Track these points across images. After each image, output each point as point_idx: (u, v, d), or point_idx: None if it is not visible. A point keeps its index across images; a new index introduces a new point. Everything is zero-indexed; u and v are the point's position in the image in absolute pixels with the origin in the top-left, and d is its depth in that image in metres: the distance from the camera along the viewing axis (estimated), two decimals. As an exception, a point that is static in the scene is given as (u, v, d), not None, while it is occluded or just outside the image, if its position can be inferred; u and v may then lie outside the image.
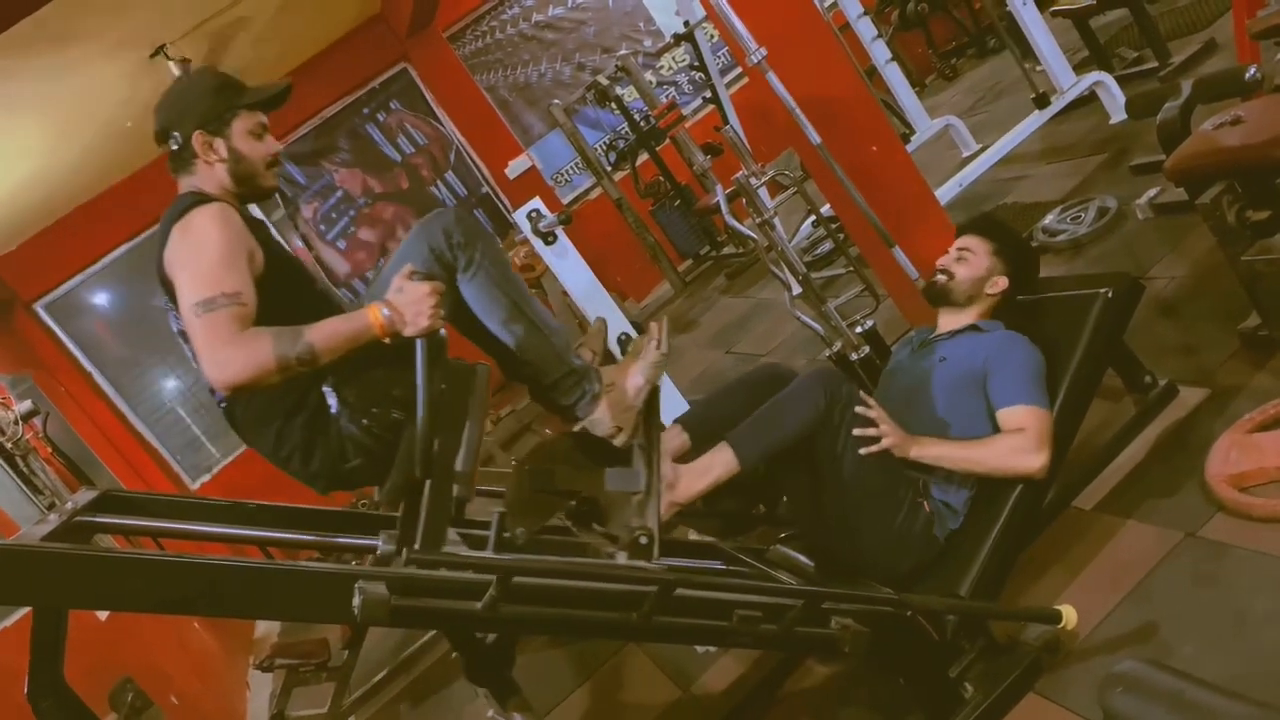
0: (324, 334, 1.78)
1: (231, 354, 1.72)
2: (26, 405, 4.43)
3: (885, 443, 2.19)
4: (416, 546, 1.78)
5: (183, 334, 1.90)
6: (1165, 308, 3.01)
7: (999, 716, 2.05)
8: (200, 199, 1.88)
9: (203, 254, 1.79)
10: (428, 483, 1.81)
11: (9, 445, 4.15)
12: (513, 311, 2.06)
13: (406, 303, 1.81)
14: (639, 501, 2.01)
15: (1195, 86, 2.98)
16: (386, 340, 1.81)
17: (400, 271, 1.87)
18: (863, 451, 2.19)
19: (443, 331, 1.85)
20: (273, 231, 2.04)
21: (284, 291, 1.89)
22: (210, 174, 1.96)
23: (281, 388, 1.82)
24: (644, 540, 1.96)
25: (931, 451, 2.25)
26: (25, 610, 2.65)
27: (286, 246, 2.05)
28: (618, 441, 2.07)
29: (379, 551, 1.87)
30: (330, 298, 2.09)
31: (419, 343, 1.80)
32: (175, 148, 1.96)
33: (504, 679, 2.35)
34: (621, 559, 1.97)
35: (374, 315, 1.80)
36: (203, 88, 1.98)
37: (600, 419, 2.08)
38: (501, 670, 2.35)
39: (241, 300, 1.76)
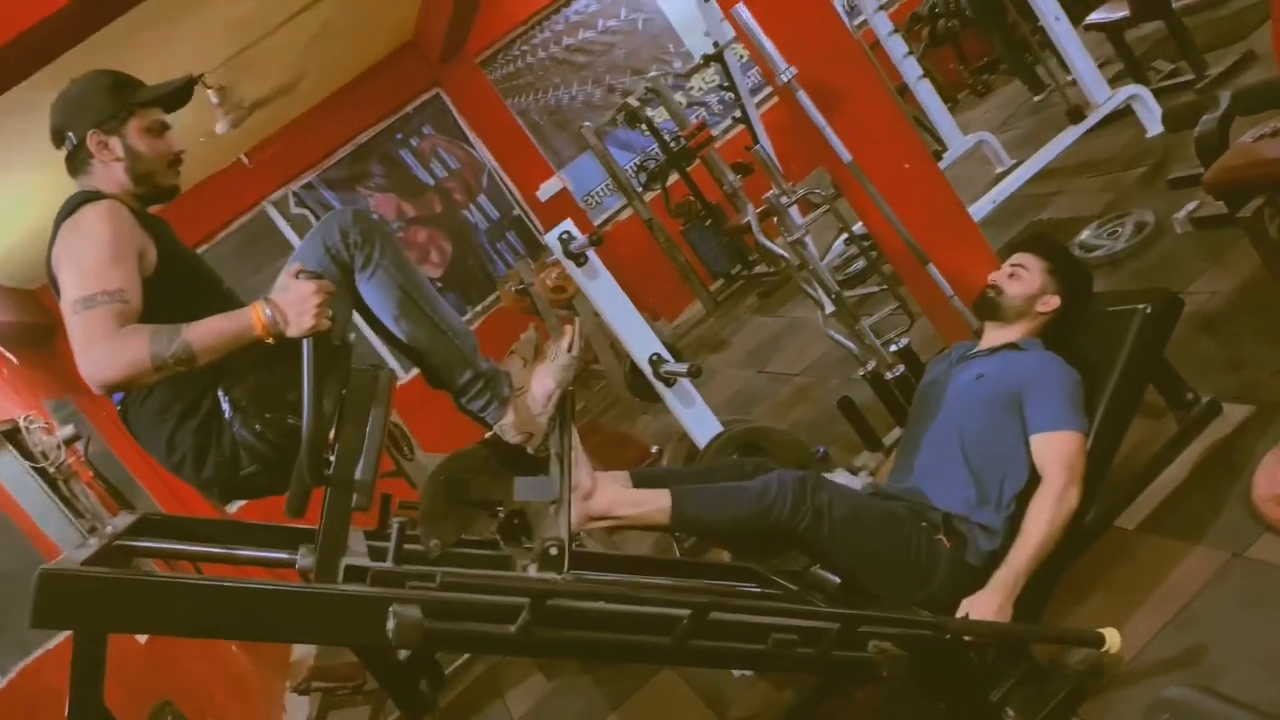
0: (202, 332, 1.73)
1: (105, 351, 1.68)
2: (69, 430, 4.50)
3: (1000, 613, 2.10)
4: (315, 559, 1.75)
5: None
6: (1207, 323, 2.96)
7: (1042, 742, 2.01)
8: (90, 196, 1.86)
9: (87, 251, 1.77)
10: (327, 492, 1.78)
11: (52, 470, 4.21)
12: (410, 309, 1.99)
13: (290, 302, 1.75)
14: (553, 511, 1.96)
15: (1234, 98, 2.95)
16: (270, 340, 1.75)
17: (288, 270, 1.83)
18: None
19: (351, 336, 1.82)
20: (174, 232, 2.01)
21: (182, 291, 1.86)
22: (107, 173, 1.93)
23: (174, 391, 1.79)
24: (554, 551, 1.91)
25: (1018, 576, 2.14)
26: (66, 633, 2.68)
27: (184, 245, 2.03)
28: (530, 448, 2.01)
29: (298, 565, 1.83)
30: (234, 298, 2.02)
31: (305, 343, 1.74)
32: (70, 148, 1.94)
33: (419, 695, 2.28)
34: (532, 571, 1.92)
35: (256, 314, 1.74)
36: (97, 87, 1.95)
37: (509, 425, 2.01)
38: (418, 686, 2.29)
39: (123, 298, 1.72)
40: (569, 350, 2.04)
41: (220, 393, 1.85)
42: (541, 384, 2.03)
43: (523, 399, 2.03)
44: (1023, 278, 2.54)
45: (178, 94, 2.00)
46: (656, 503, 2.12)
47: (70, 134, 1.93)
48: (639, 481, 2.25)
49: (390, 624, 1.59)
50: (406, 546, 1.90)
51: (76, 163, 1.96)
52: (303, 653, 5.48)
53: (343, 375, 1.82)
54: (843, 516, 2.15)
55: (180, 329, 1.72)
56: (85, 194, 1.89)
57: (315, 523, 2.10)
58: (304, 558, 1.84)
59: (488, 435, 2.05)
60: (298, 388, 1.76)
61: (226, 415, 1.86)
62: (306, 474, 1.74)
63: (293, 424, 1.81)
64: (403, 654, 2.28)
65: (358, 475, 1.79)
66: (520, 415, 2.01)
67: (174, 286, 1.85)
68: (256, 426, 1.86)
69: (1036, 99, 6.20)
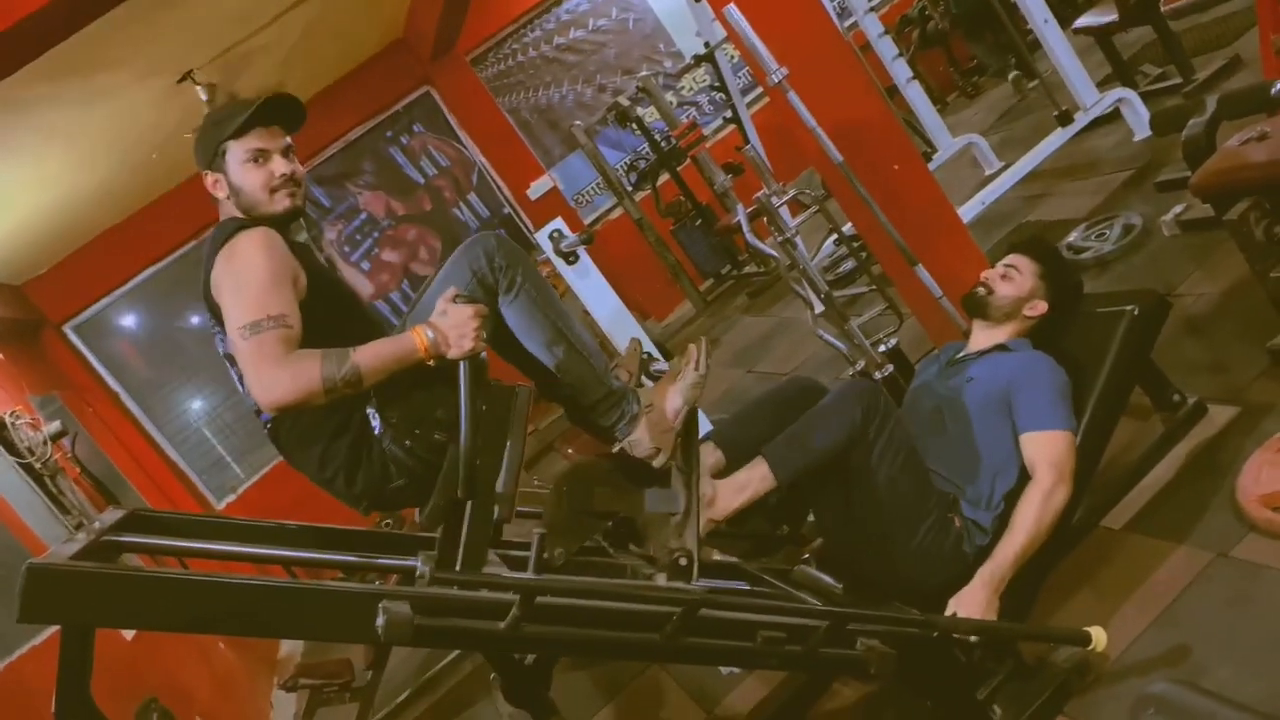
0: (370, 356, 1.79)
1: (278, 375, 1.74)
2: (55, 426, 4.47)
3: (986, 610, 2.12)
4: (458, 568, 1.79)
5: (229, 357, 1.92)
6: (1193, 325, 2.98)
7: (1028, 739, 2.02)
8: (244, 224, 1.91)
9: (247, 278, 1.81)
10: (469, 504, 1.82)
11: (38, 465, 4.18)
12: (554, 334, 2.07)
13: (451, 325, 1.82)
14: (677, 522, 2.02)
15: (1220, 102, 2.96)
16: (430, 363, 1.82)
17: (444, 294, 1.88)
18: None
19: (484, 354, 1.86)
20: (318, 255, 2.07)
21: (328, 314, 1.91)
22: (229, 209, 1.99)
23: (326, 410, 1.84)
24: (683, 562, 1.97)
25: (1004, 571, 2.16)
26: (53, 629, 2.67)
27: (330, 268, 2.08)
28: (656, 463, 2.08)
29: (418, 572, 1.88)
30: (373, 319, 2.10)
31: (462, 365, 1.81)
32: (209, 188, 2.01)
33: (542, 700, 2.35)
34: (661, 580, 1.97)
35: (419, 338, 1.82)
36: (203, 127, 2.00)
37: (639, 440, 2.08)
38: (540, 691, 2.35)
39: (287, 323, 1.78)
40: (696, 369, 2.10)
41: (370, 411, 1.91)
42: (671, 402, 2.10)
43: (653, 415, 2.09)
44: (1014, 279, 2.55)
45: (264, 113, 1.95)
46: (759, 474, 2.18)
47: (204, 173, 2.00)
48: (722, 443, 2.33)
49: (380, 620, 1.59)
50: (514, 553, 1.99)
51: (215, 200, 2.02)
52: (290, 649, 5.46)
53: (485, 392, 1.87)
54: (898, 440, 2.22)
55: (349, 353, 1.78)
56: (238, 221, 1.93)
57: (301, 520, 2.14)
58: (424, 565, 1.88)
59: (614, 450, 2.11)
60: (444, 405, 1.85)
61: (376, 432, 1.91)
62: (461, 488, 1.80)
63: (439, 440, 1.89)
64: (529, 659, 2.35)
65: (499, 488, 1.85)
66: (651, 431, 2.08)
67: (324, 308, 1.90)
68: (406, 443, 1.91)
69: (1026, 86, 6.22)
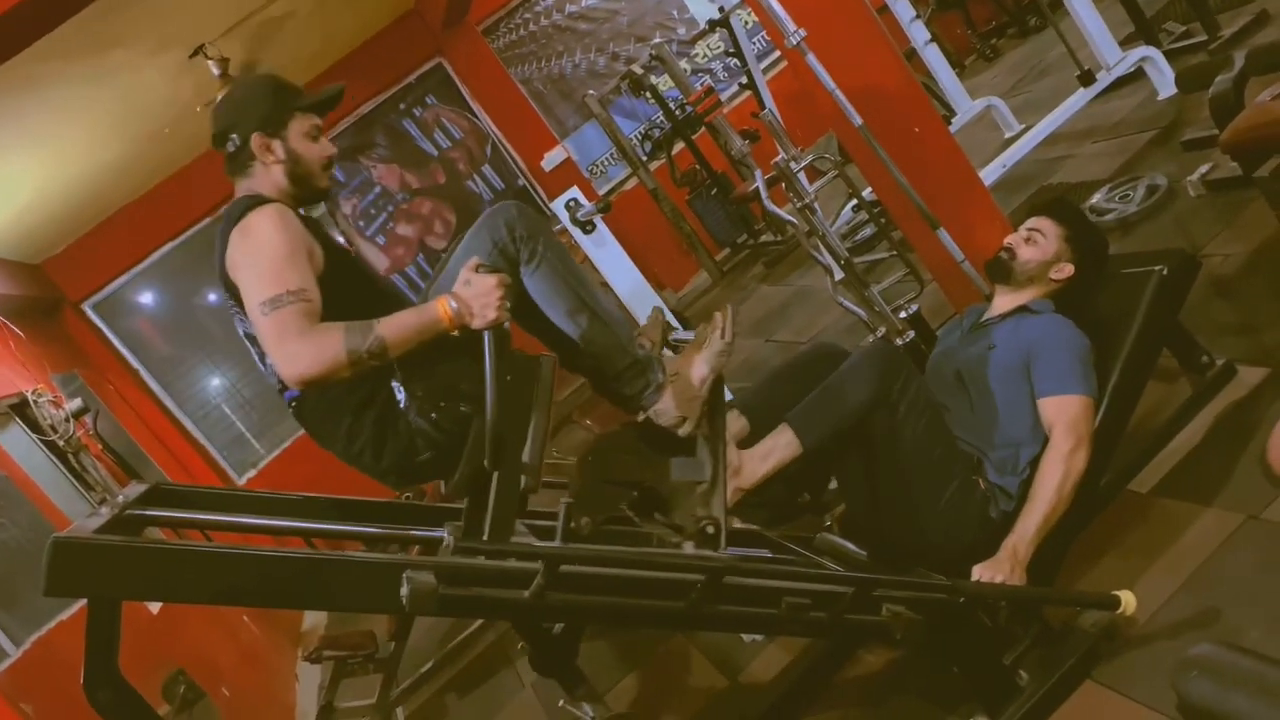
0: (394, 327, 1.79)
1: (302, 348, 1.73)
2: (77, 403, 4.50)
3: (1011, 579, 2.09)
4: (485, 537, 1.78)
5: (250, 336, 1.92)
6: (1221, 286, 2.93)
7: (1055, 704, 2.00)
8: (257, 201, 1.90)
9: (264, 254, 1.80)
10: (496, 474, 1.81)
11: (61, 443, 4.22)
12: (577, 303, 2.05)
13: (474, 295, 1.81)
14: (703, 491, 2.00)
15: (1249, 57, 2.90)
16: (455, 333, 1.82)
17: (467, 265, 1.87)
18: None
19: (507, 324, 1.85)
20: (333, 232, 2.06)
21: (345, 288, 1.90)
22: (267, 176, 1.98)
23: (350, 385, 1.84)
24: (710, 530, 1.96)
25: (1028, 542, 2.13)
26: (81, 603, 2.69)
27: (345, 245, 2.07)
28: (682, 431, 2.06)
29: (445, 543, 1.87)
30: (391, 293, 2.11)
31: (486, 335, 1.80)
32: (233, 149, 1.98)
33: (570, 669, 2.35)
34: (689, 549, 1.96)
35: (442, 308, 1.81)
36: (261, 91, 2.01)
37: (665, 409, 2.06)
38: (568, 660, 2.35)
39: (307, 296, 1.77)
40: (723, 337, 2.07)
41: (395, 384, 1.91)
42: (698, 370, 2.07)
43: (679, 384, 2.07)
44: (1039, 243, 2.51)
45: (333, 99, 2.05)
46: (784, 441, 2.16)
47: (234, 135, 1.97)
48: (746, 410, 2.32)
49: (404, 590, 1.59)
50: (540, 523, 1.98)
51: (238, 164, 2.00)
52: (314, 621, 5.52)
53: (509, 363, 1.85)
54: (921, 403, 2.19)
55: (373, 324, 1.77)
56: (250, 199, 1.92)
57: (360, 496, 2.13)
58: (450, 535, 1.87)
59: (640, 418, 2.09)
60: (469, 377, 1.83)
61: (402, 405, 1.91)
62: (488, 458, 1.79)
63: (465, 411, 1.88)
64: (557, 628, 2.35)
65: (525, 458, 1.84)
66: (677, 399, 2.06)
67: (341, 283, 1.90)
68: (432, 415, 1.90)
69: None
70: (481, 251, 1.99)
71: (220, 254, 1.90)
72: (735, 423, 2.30)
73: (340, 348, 1.73)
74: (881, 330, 3.43)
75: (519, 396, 1.85)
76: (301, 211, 1.97)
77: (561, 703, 2.40)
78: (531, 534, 2.05)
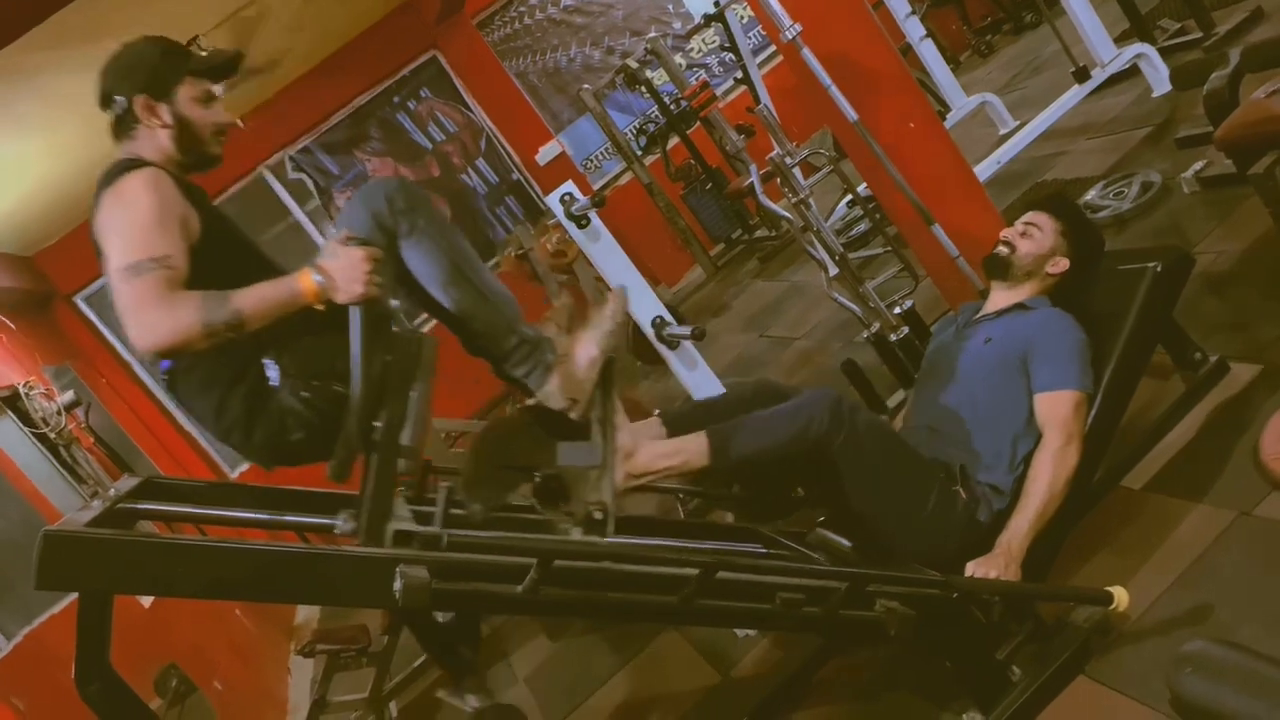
0: (253, 298, 1.74)
1: (157, 317, 1.68)
2: (69, 396, 4.49)
3: (1006, 575, 2.09)
4: (362, 524, 1.74)
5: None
6: (1214, 283, 2.93)
7: (1048, 699, 2.01)
8: (134, 164, 1.85)
9: (131, 218, 1.76)
10: (372, 457, 1.77)
11: (53, 435, 4.21)
12: (452, 274, 1.98)
13: (340, 268, 1.76)
14: (595, 476, 1.95)
15: (1244, 54, 2.91)
16: (320, 307, 1.77)
17: (335, 236, 1.83)
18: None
19: (395, 303, 1.81)
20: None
21: (223, 260, 1.85)
22: (151, 140, 1.92)
23: (221, 359, 1.79)
24: (598, 515, 1.91)
25: (1022, 539, 2.14)
26: (72, 597, 2.68)
27: (223, 214, 2.02)
28: (573, 415, 1.99)
29: (337, 530, 1.81)
30: (274, 266, 2.02)
31: (353, 310, 1.75)
32: (118, 112, 1.93)
33: (458, 657, 2.27)
34: (576, 535, 1.91)
35: (305, 280, 1.76)
36: (148, 53, 1.94)
37: (553, 391, 2.00)
38: (457, 648, 2.28)
39: (170, 264, 1.72)
40: (612, 316, 2.03)
41: (267, 361, 1.85)
42: (585, 350, 2.01)
43: (566, 365, 2.01)
44: (1035, 237, 2.51)
45: (227, 65, 1.99)
46: (695, 447, 2.10)
47: (118, 97, 1.92)
48: (670, 423, 2.25)
49: (397, 585, 1.59)
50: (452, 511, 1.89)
51: (122, 127, 1.95)
52: (307, 615, 5.51)
53: (387, 342, 1.81)
54: (874, 441, 2.14)
55: (230, 295, 1.73)
56: (127, 161, 1.87)
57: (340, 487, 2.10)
58: (345, 523, 1.82)
59: (530, 402, 2.04)
60: (344, 355, 1.77)
61: (273, 382, 1.85)
62: (355, 440, 1.75)
63: (339, 391, 1.81)
64: (442, 617, 2.28)
65: (404, 440, 1.79)
66: (564, 381, 2.00)
67: (217, 254, 1.85)
68: (303, 393, 1.85)
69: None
70: (357, 223, 1.93)
71: (91, 217, 1.85)
72: (654, 428, 2.24)
73: (195, 318, 1.68)
74: (876, 326, 3.43)
75: (399, 376, 1.80)
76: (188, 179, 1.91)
77: (440, 693, 2.33)
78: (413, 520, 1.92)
